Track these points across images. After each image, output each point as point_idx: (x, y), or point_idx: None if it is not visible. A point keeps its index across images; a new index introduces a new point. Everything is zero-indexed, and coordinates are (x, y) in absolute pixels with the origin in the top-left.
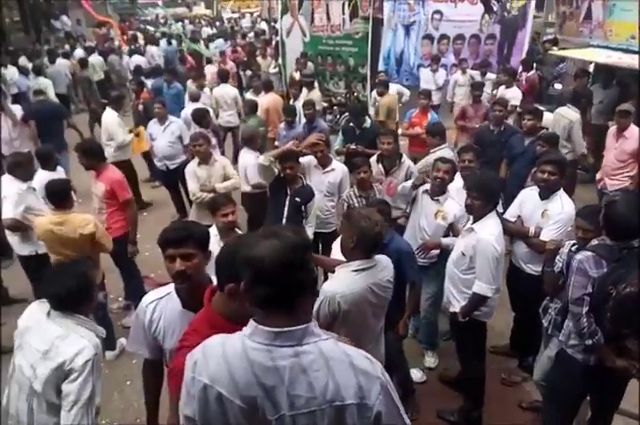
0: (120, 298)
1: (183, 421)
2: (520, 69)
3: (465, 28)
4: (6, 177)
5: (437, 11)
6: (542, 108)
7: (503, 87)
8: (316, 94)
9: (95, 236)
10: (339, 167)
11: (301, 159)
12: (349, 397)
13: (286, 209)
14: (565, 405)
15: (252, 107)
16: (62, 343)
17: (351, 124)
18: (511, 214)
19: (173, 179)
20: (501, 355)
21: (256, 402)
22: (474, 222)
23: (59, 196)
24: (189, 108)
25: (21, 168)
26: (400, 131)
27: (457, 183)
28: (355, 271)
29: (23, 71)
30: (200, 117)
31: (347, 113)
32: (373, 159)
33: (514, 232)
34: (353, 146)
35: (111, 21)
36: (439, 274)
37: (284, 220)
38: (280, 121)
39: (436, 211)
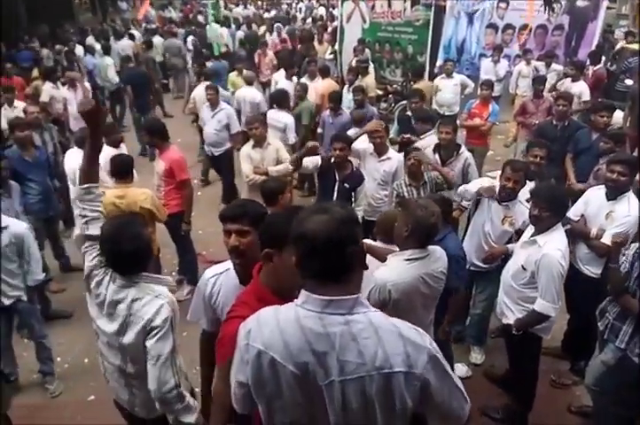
0: (173, 273)
1: (235, 386)
2: (588, 62)
3: (532, 18)
4: (74, 150)
5: (503, 0)
6: None
7: (568, 80)
8: (369, 80)
9: (153, 212)
10: (395, 156)
11: (357, 146)
12: (397, 365)
13: (335, 194)
14: (623, 413)
15: (304, 91)
16: (140, 306)
17: (407, 113)
18: (574, 213)
19: (217, 165)
20: (552, 357)
21: (308, 367)
22: (537, 234)
23: (123, 170)
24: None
25: None
26: (458, 122)
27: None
28: (408, 260)
29: (90, 50)
30: (281, 98)
31: (402, 102)
32: (430, 149)
33: (576, 232)
34: (407, 135)
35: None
36: (498, 278)
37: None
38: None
39: (503, 216)
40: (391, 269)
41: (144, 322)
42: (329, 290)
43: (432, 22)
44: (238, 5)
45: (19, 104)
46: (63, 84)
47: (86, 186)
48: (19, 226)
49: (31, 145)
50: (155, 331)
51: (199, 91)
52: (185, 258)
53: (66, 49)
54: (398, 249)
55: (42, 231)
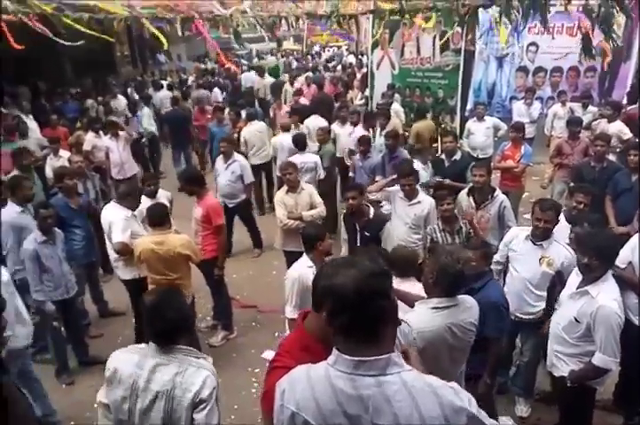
0: (207, 318)
1: None
2: (625, 102)
3: (563, 60)
4: (113, 204)
5: (532, 44)
6: None
7: (604, 121)
8: (394, 121)
9: (190, 256)
10: (425, 200)
11: (387, 188)
12: None
13: (358, 244)
14: None
15: (327, 135)
16: (183, 380)
17: (441, 156)
18: (621, 260)
19: (231, 216)
20: (604, 410)
21: None
22: (588, 283)
23: (159, 218)
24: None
25: (130, 198)
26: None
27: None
28: (434, 308)
29: (131, 100)
30: (304, 141)
31: (434, 144)
32: (464, 192)
33: (625, 281)
34: (440, 179)
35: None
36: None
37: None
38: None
39: (540, 257)
40: (417, 316)
41: (192, 395)
42: (360, 349)
43: (461, 67)
44: (271, 55)
45: (65, 154)
46: (105, 134)
47: None
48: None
49: (75, 193)
50: (204, 404)
51: (247, 132)
52: (220, 302)
53: (108, 100)
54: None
55: (83, 276)
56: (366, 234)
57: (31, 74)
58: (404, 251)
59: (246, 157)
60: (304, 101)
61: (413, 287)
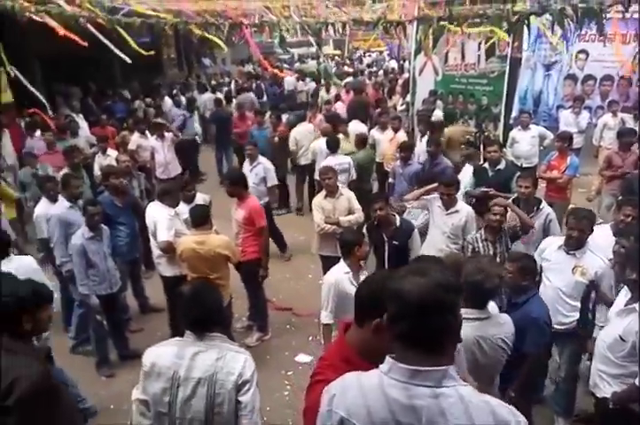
0: (243, 318)
1: None
2: None
3: (615, 69)
4: (156, 203)
5: (582, 51)
6: None
7: None
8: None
9: (229, 257)
10: (464, 209)
11: (424, 197)
12: None
13: (387, 254)
14: None
15: (362, 140)
16: (224, 364)
17: (484, 164)
18: None
19: None
20: None
21: None
22: (636, 300)
23: (201, 219)
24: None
25: (170, 196)
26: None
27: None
28: (464, 319)
29: (176, 102)
30: (334, 144)
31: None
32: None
33: None
34: (485, 189)
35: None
36: (578, 338)
37: (386, 264)
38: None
39: (573, 266)
40: None
41: (235, 378)
42: (417, 359)
43: (507, 73)
44: (312, 59)
45: (112, 153)
46: (151, 134)
47: None
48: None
49: (122, 191)
50: (247, 385)
51: (298, 133)
52: (256, 304)
53: (159, 103)
54: None
55: (126, 272)
56: (394, 243)
57: (82, 75)
58: (451, 259)
59: (296, 157)
60: (341, 107)
61: None
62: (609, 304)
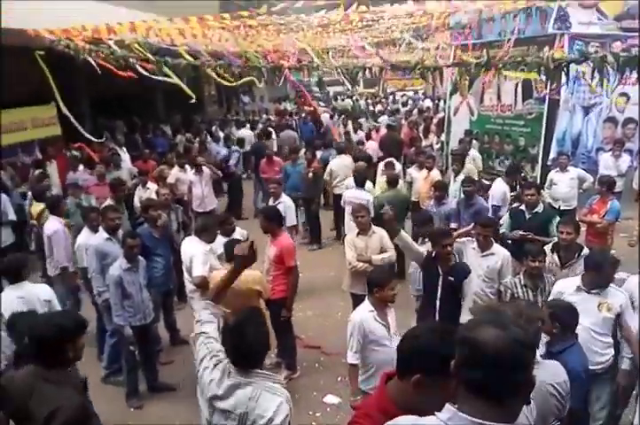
0: (272, 355)
1: None
2: None
3: None
4: (193, 238)
5: (623, 94)
6: None
7: None
8: (469, 167)
9: (261, 292)
10: (500, 252)
11: (458, 240)
12: None
13: (440, 289)
14: None
15: (393, 180)
16: (257, 405)
17: (521, 207)
18: None
19: None
20: None
21: None
22: None
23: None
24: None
25: (208, 232)
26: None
27: None
28: None
29: (215, 138)
30: (361, 178)
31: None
32: (547, 248)
33: None
34: (523, 232)
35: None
36: (613, 380)
37: (437, 302)
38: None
39: (598, 303)
40: None
41: (265, 421)
42: (482, 411)
43: (545, 115)
44: (349, 97)
45: (152, 186)
46: (191, 168)
47: (209, 301)
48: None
49: (160, 224)
50: None
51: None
52: (285, 341)
53: (194, 136)
54: None
55: (159, 303)
56: (450, 278)
57: (127, 110)
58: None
59: (330, 186)
60: (372, 146)
61: None
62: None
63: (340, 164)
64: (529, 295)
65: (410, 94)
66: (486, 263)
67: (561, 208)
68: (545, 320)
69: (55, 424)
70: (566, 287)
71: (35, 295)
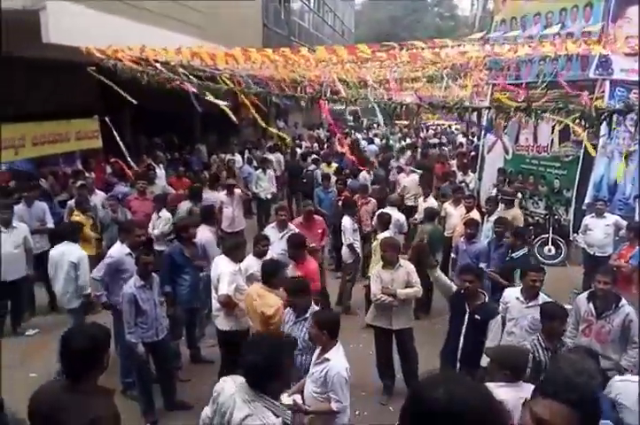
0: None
1: None
2: None
3: None
4: (222, 258)
5: None
6: None
7: None
8: (515, 212)
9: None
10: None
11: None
12: None
13: (465, 327)
14: None
15: (430, 214)
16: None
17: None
18: None
19: None
20: None
21: None
22: None
23: (270, 274)
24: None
25: (236, 251)
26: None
27: None
28: None
29: (248, 160)
30: (395, 202)
31: (544, 235)
32: (583, 297)
33: None
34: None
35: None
36: None
37: (461, 339)
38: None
39: None
40: None
41: None
42: None
43: (581, 159)
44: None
45: (186, 205)
46: (222, 189)
47: None
48: None
49: (191, 242)
50: None
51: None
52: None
53: (229, 158)
54: None
55: (183, 320)
56: (477, 317)
57: (166, 128)
58: (514, 352)
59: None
60: (403, 177)
61: (516, 392)
62: None
63: (411, 181)
64: (548, 358)
65: (444, 128)
66: (530, 314)
67: (596, 254)
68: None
69: None
70: None
71: (70, 253)
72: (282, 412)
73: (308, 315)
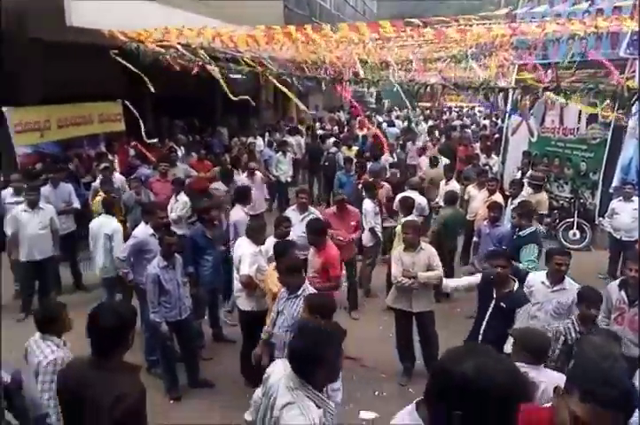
0: None
1: None
2: None
3: None
4: (244, 239)
5: None
6: None
7: None
8: (541, 196)
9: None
10: (573, 288)
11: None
12: None
13: (489, 314)
14: None
15: (450, 198)
16: (286, 415)
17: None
18: None
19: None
20: None
21: None
22: None
23: (279, 254)
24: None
25: (258, 234)
26: None
27: None
28: None
29: (268, 143)
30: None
31: (569, 219)
32: (615, 284)
33: None
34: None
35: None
36: None
37: (483, 325)
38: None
39: None
40: None
41: None
42: None
43: (609, 141)
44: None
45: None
46: (243, 171)
47: None
48: None
49: (213, 224)
50: None
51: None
52: None
53: (250, 141)
54: None
55: (205, 300)
56: (502, 305)
57: (187, 111)
58: (538, 335)
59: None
60: (424, 160)
61: (535, 375)
62: None
63: (436, 172)
64: None
65: (468, 110)
66: (555, 298)
67: (622, 238)
68: None
69: (121, 408)
70: None
71: (107, 225)
72: (325, 403)
73: (299, 293)
